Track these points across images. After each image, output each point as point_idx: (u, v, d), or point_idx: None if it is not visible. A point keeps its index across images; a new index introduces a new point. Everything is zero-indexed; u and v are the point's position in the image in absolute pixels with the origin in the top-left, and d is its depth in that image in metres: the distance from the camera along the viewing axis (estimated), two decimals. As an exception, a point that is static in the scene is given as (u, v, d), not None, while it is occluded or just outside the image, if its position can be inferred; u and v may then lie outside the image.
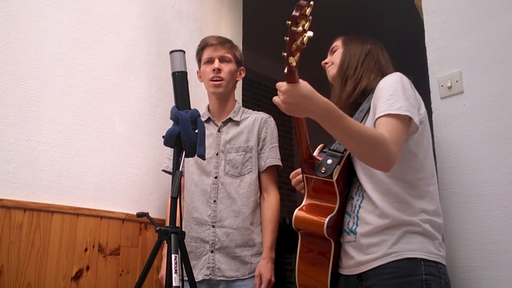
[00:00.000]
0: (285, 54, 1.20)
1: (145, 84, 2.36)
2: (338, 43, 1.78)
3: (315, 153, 1.59)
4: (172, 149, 1.68)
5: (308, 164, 1.54)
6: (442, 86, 1.79)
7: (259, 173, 2.13)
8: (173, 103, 1.75)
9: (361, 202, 1.53)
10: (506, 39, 1.67)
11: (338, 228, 1.56)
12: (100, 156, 2.12)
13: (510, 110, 1.63)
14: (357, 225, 1.52)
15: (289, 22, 1.16)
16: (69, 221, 1.94)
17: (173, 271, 1.46)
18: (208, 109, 2.26)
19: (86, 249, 1.98)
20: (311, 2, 1.16)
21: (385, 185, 1.48)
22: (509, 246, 1.56)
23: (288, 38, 1.18)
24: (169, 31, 2.53)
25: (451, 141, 1.75)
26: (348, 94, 1.64)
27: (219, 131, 2.17)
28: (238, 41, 2.90)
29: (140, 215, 1.68)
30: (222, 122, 2.18)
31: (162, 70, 2.42)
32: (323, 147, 1.61)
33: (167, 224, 1.63)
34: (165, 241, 1.56)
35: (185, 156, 1.64)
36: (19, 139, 1.86)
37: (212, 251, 2.02)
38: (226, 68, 2.15)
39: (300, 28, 1.15)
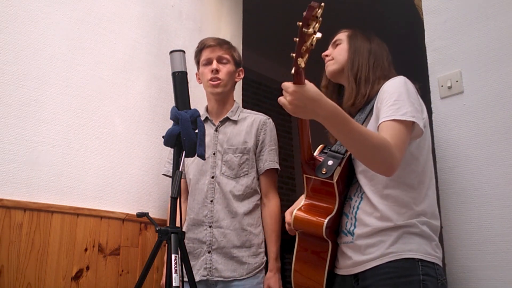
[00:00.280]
0: (294, 55, 1.19)
1: (145, 84, 2.36)
2: (342, 37, 1.73)
3: (316, 154, 1.59)
4: (172, 153, 1.68)
5: (309, 165, 1.54)
6: (442, 86, 1.79)
7: (258, 176, 2.12)
8: (173, 103, 1.75)
9: (359, 203, 1.53)
10: (506, 39, 1.67)
11: (335, 228, 1.56)
12: (100, 156, 2.12)
13: (510, 110, 1.63)
14: (354, 226, 1.52)
15: (300, 23, 1.15)
16: (69, 221, 1.94)
17: (173, 271, 1.46)
18: (207, 110, 2.25)
19: (86, 249, 1.98)
20: (322, 4, 1.16)
21: (385, 188, 1.49)
22: (509, 246, 1.56)
23: (298, 39, 1.17)
24: (169, 31, 2.53)
25: (451, 141, 1.75)
26: (363, 96, 1.60)
27: (216, 130, 2.17)
28: (238, 41, 2.90)
29: (140, 215, 1.68)
30: (220, 122, 2.18)
31: (162, 70, 2.42)
32: (323, 148, 1.61)
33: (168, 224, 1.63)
34: (165, 242, 1.56)
35: (185, 156, 1.64)
36: (19, 139, 1.86)
37: (209, 252, 2.02)
38: (224, 69, 2.15)
39: (311, 30, 1.15)
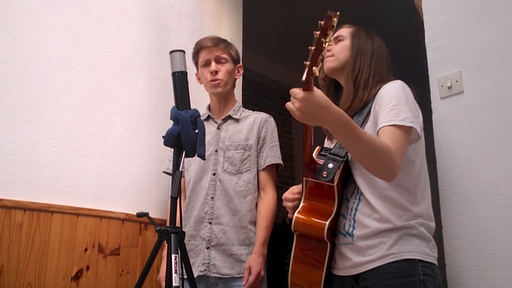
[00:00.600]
0: (307, 63, 1.20)
1: (145, 84, 2.37)
2: (344, 34, 1.70)
3: (314, 155, 1.59)
4: (172, 151, 1.68)
5: (310, 169, 1.54)
6: (442, 86, 1.79)
7: (258, 172, 2.13)
8: (173, 103, 1.75)
9: (358, 205, 1.53)
10: (506, 39, 1.67)
11: (333, 229, 1.56)
12: (100, 156, 2.12)
13: (510, 110, 1.63)
14: (353, 228, 1.52)
15: (317, 33, 1.17)
16: (69, 221, 1.94)
17: (173, 271, 1.46)
18: (209, 108, 2.27)
19: (86, 249, 1.98)
20: (338, 13, 1.17)
21: (383, 190, 1.50)
22: (509, 246, 1.57)
23: (314, 48, 1.18)
24: (169, 31, 2.53)
25: (451, 141, 1.75)
26: (360, 101, 1.60)
27: (218, 128, 2.18)
28: (238, 41, 2.91)
29: (140, 215, 1.69)
30: (222, 120, 2.19)
31: (162, 70, 2.42)
32: (320, 149, 1.61)
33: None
34: (165, 242, 1.56)
35: (185, 156, 1.64)
36: (19, 139, 1.86)
37: (208, 248, 2.02)
38: (223, 68, 2.16)
39: (328, 39, 1.16)
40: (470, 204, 1.67)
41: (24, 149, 1.86)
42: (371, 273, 1.47)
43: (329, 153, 1.56)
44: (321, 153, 1.59)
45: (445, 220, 1.72)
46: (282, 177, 5.04)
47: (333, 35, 1.18)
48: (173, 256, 1.49)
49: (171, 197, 1.58)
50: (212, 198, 2.07)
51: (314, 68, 1.20)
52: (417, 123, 1.49)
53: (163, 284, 1.98)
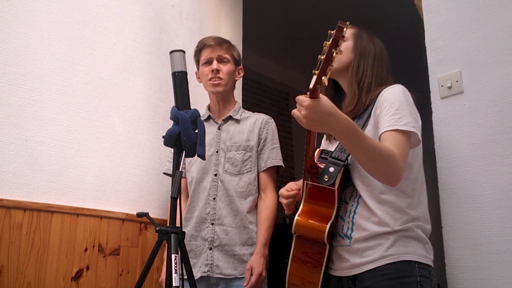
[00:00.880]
0: (316, 72, 1.21)
1: (145, 84, 2.37)
2: (346, 34, 1.68)
3: (314, 158, 1.59)
4: (172, 151, 1.68)
5: (311, 173, 1.54)
6: (442, 86, 1.79)
7: (258, 173, 2.13)
8: (173, 103, 1.75)
9: (356, 208, 1.54)
10: (507, 39, 1.67)
11: (332, 232, 1.57)
12: (100, 156, 2.12)
13: (510, 110, 1.63)
14: (352, 230, 1.53)
15: (328, 43, 1.17)
16: (69, 221, 1.94)
17: (173, 271, 1.46)
18: (209, 108, 2.27)
19: (86, 249, 1.98)
20: (348, 22, 1.18)
21: (382, 194, 1.50)
22: (509, 246, 1.57)
23: (324, 58, 1.19)
24: (169, 31, 2.53)
25: (451, 141, 1.75)
26: (363, 105, 1.60)
27: (219, 128, 2.18)
28: (238, 41, 2.91)
29: (140, 215, 1.69)
30: (223, 120, 2.19)
31: (162, 70, 2.42)
32: (320, 152, 1.61)
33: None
34: (165, 242, 1.56)
35: (185, 156, 1.64)
36: (19, 139, 1.86)
37: (210, 248, 2.02)
38: (225, 68, 2.16)
39: (338, 50, 1.17)
40: (470, 204, 1.67)
41: (24, 149, 1.87)
42: (369, 274, 1.48)
43: (330, 157, 1.56)
44: (322, 156, 1.59)
45: (445, 220, 1.72)
46: (282, 177, 5.01)
47: (342, 44, 1.18)
48: (173, 256, 1.49)
49: (171, 197, 1.58)
50: (214, 198, 2.08)
51: (323, 77, 1.20)
52: (418, 128, 1.50)
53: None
